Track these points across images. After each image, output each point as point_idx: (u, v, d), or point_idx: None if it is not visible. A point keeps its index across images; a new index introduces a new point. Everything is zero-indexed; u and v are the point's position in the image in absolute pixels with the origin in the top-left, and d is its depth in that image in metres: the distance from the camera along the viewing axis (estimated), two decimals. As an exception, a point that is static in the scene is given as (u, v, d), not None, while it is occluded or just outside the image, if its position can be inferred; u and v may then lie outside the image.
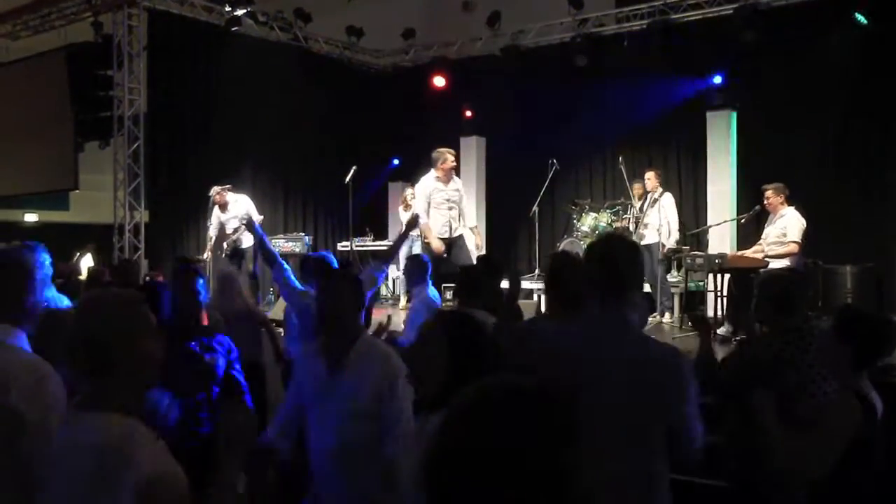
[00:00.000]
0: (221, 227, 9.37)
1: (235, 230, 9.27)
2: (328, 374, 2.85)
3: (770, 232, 7.36)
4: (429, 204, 7.75)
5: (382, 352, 2.89)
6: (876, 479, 2.81)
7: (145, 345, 1.78)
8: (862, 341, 2.79)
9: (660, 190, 9.01)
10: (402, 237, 5.21)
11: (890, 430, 2.89)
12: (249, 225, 5.21)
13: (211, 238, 9.45)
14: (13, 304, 2.22)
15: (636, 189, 9.95)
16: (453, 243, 7.73)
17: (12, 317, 2.20)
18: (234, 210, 9.26)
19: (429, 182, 7.83)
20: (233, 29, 10.43)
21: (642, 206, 9.15)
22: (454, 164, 7.84)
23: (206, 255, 9.55)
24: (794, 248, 7.12)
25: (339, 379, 2.81)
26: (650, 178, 9.11)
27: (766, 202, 7.50)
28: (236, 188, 9.65)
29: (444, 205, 7.77)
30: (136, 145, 10.05)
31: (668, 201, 8.92)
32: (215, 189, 9.24)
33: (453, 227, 7.73)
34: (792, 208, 7.30)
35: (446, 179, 7.78)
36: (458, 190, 7.90)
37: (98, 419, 1.69)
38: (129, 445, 1.63)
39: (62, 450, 1.74)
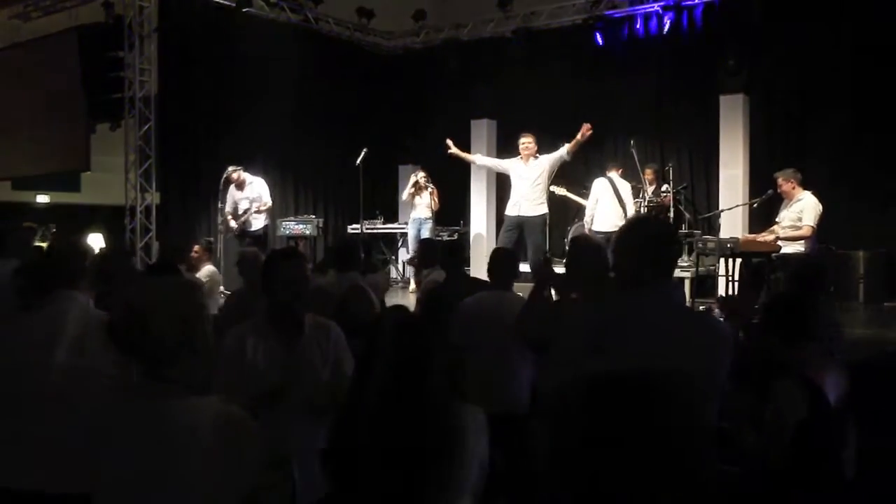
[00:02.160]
0: (235, 205, 9.37)
1: (245, 211, 9.29)
2: (286, 353, 2.85)
3: (786, 216, 7.29)
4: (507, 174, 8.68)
5: (326, 323, 3.01)
6: (839, 458, 2.69)
7: (209, 332, 1.90)
8: (774, 313, 2.84)
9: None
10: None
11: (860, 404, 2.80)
12: None
13: (228, 214, 9.42)
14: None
15: (647, 173, 9.94)
16: (524, 224, 8.21)
17: None
18: (249, 191, 9.28)
19: (513, 158, 8.68)
20: (243, 10, 10.40)
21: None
22: (524, 147, 8.40)
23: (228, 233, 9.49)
24: (808, 231, 7.07)
25: (298, 356, 2.86)
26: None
27: (779, 189, 7.45)
28: (246, 169, 9.65)
29: (516, 181, 8.40)
30: (147, 127, 10.04)
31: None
32: (232, 168, 9.28)
33: (522, 205, 8.27)
34: (809, 192, 7.23)
35: (525, 160, 8.41)
36: (536, 171, 8.31)
37: (205, 401, 1.83)
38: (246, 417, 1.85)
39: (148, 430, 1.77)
